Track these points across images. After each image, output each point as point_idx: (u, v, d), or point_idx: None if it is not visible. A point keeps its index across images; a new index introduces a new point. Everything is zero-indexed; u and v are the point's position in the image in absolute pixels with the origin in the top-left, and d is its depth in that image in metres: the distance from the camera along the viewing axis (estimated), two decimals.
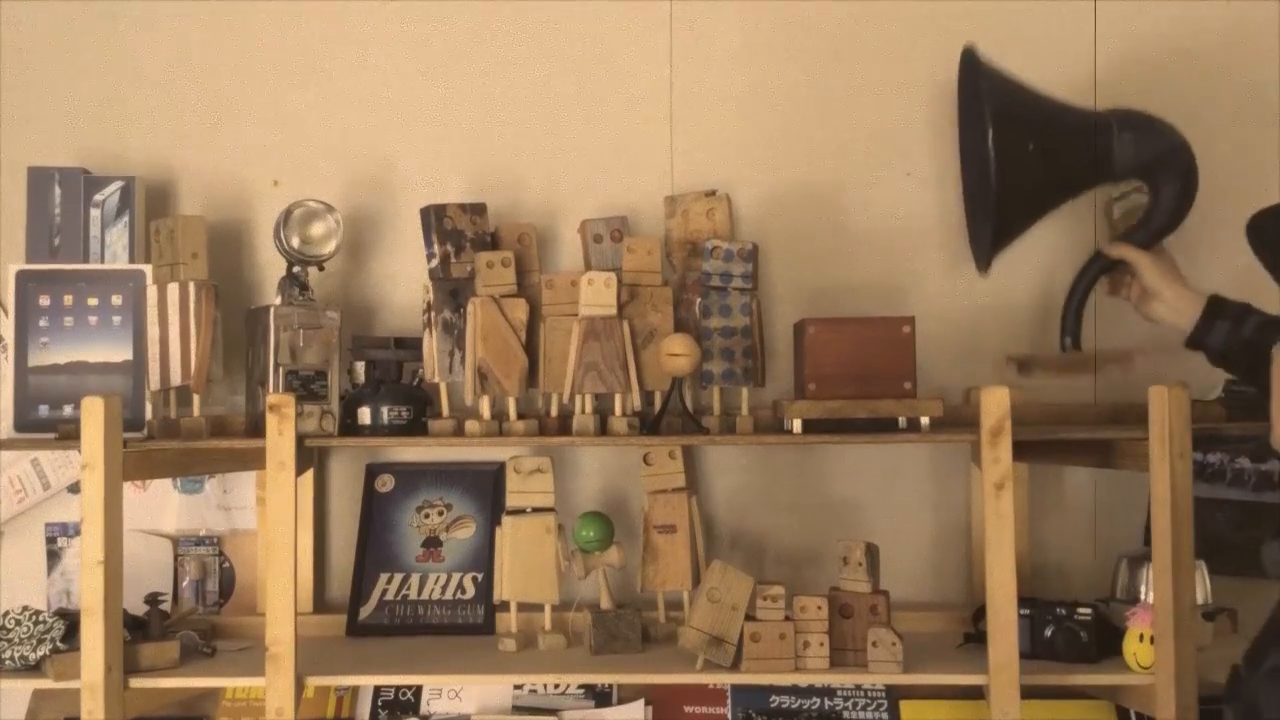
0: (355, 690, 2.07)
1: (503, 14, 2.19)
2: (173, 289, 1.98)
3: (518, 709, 2.04)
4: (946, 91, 2.07)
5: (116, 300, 2.00)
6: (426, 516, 2.15)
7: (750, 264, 2.01)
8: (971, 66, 1.95)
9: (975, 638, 1.89)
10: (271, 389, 1.91)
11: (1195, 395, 1.77)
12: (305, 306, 1.97)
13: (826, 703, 2.02)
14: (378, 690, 2.06)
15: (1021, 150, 1.88)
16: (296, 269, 2.00)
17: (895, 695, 2.02)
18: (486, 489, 2.16)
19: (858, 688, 2.02)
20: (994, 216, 1.91)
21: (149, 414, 1.97)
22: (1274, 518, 1.99)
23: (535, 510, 1.99)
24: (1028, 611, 1.86)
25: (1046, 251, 2.10)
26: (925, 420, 1.88)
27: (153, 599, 1.90)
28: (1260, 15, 2.14)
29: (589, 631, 1.93)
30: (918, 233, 2.13)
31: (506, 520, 1.99)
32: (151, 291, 1.98)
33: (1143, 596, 1.92)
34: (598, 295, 1.96)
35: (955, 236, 2.10)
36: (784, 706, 2.02)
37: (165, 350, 1.97)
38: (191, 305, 1.97)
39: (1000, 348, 2.08)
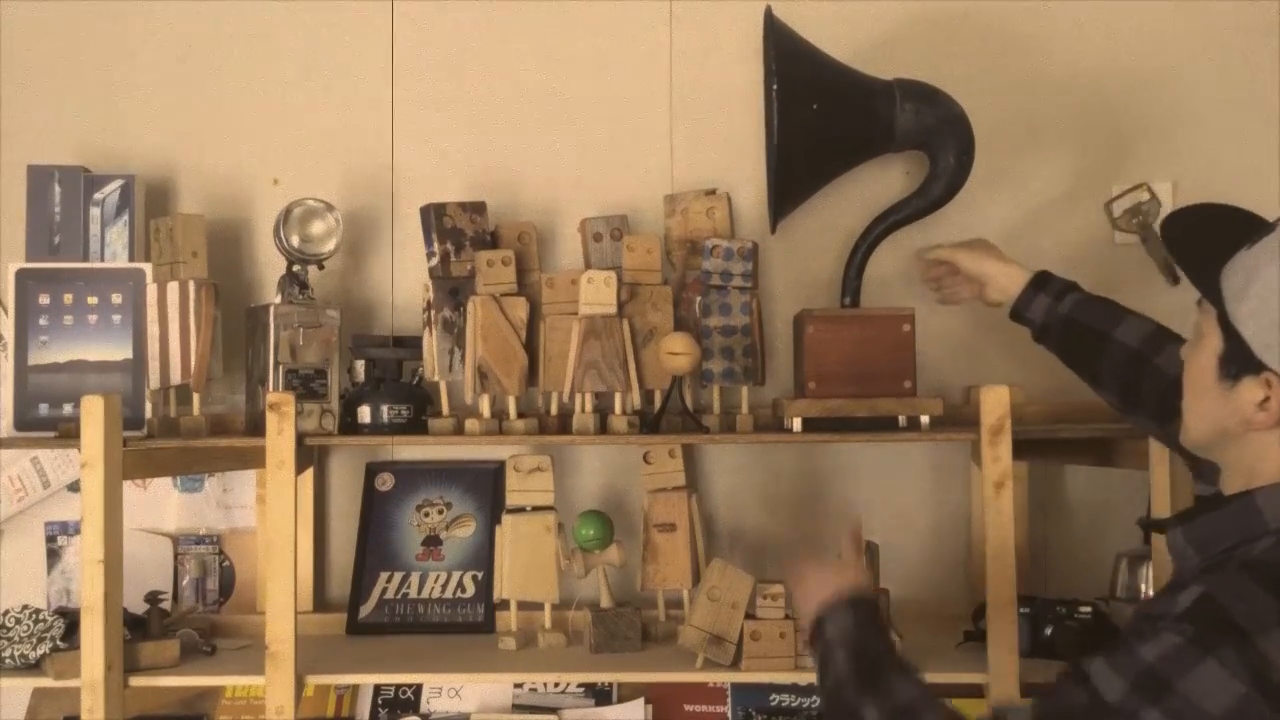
0: (355, 689, 2.07)
1: (503, 13, 2.19)
2: (172, 287, 1.98)
3: (518, 708, 2.04)
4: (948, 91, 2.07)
5: (116, 299, 1.99)
6: (426, 515, 2.15)
7: (750, 263, 2.00)
8: (768, 28, 1.95)
9: (975, 636, 1.89)
10: (271, 387, 1.91)
11: None
12: (305, 305, 1.97)
13: None
14: (378, 689, 2.06)
15: (806, 111, 1.89)
16: (296, 267, 2.00)
17: None
18: (486, 487, 2.16)
19: None
20: (777, 175, 1.92)
21: (149, 412, 1.97)
22: None
23: (535, 509, 1.99)
24: (1027, 610, 1.86)
25: (1051, 250, 2.09)
26: (925, 419, 1.88)
27: (153, 597, 1.90)
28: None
29: (589, 630, 1.93)
30: (917, 229, 2.12)
31: (506, 519, 1.99)
32: (151, 290, 1.99)
33: (1143, 595, 1.92)
34: (598, 294, 1.96)
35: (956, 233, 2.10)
36: (784, 705, 2.02)
37: (165, 349, 1.97)
38: (191, 304, 1.97)
39: (1002, 346, 2.08)
